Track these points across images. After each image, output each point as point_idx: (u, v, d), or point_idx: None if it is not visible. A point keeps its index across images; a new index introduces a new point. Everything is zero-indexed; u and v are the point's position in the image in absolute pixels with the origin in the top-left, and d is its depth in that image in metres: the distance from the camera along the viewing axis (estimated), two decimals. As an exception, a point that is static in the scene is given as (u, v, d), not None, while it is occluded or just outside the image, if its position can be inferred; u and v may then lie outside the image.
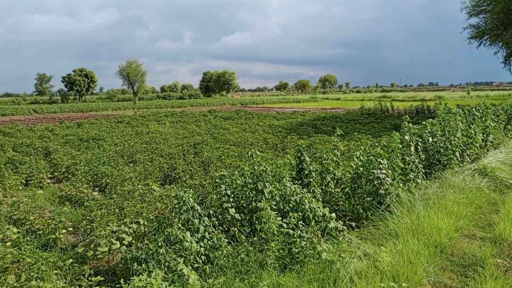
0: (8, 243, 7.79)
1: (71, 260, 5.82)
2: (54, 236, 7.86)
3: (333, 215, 7.08)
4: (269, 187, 7.59)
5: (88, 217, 7.85)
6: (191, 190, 8.83)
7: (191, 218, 6.51)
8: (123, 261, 6.31)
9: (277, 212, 7.39)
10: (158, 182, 12.14)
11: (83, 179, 11.85)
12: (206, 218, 6.92)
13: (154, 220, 6.83)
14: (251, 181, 7.47)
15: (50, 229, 7.95)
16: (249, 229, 7.35)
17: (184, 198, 6.51)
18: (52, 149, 17.47)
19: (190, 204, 6.56)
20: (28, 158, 15.27)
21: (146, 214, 8.02)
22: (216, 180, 7.37)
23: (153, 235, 6.57)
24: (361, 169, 8.54)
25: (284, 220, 6.55)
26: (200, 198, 7.93)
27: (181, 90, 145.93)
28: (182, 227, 6.42)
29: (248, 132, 23.26)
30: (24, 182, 12.98)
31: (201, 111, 49.87)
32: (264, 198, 7.44)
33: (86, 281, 5.30)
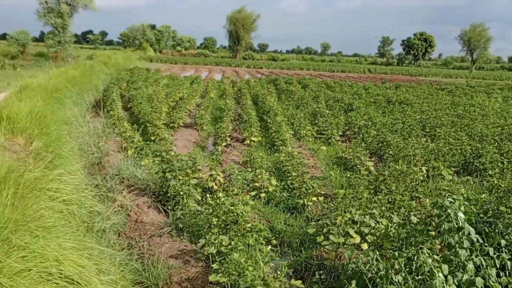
0: (263, 194, 7.63)
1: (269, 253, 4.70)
2: (301, 202, 7.08)
3: None
4: None
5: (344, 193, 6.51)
6: (483, 195, 6.01)
7: (455, 245, 4.06)
8: (344, 269, 4.73)
9: None
10: (453, 168, 9.41)
11: (363, 144, 10.60)
12: (490, 250, 4.27)
13: (402, 226, 4.75)
14: None
15: (300, 192, 7.21)
16: None
17: (448, 210, 4.09)
18: (355, 106, 17.10)
19: (459, 222, 4.08)
20: (328, 112, 15.40)
21: (407, 210, 5.95)
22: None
23: (394, 249, 4.57)
24: None
25: None
26: (488, 214, 5.10)
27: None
28: (437, 255, 4.11)
29: None
30: (315, 135, 13.05)
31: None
32: None
33: (281, 281, 4.06)
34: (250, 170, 8.47)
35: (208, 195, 5.56)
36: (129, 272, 4.58)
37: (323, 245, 5.40)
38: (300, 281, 4.25)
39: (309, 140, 12.63)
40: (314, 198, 7.16)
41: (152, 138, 11.45)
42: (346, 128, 13.90)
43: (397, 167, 7.69)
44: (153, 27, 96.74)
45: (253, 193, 7.46)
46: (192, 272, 4.78)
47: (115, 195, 6.73)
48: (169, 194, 6.41)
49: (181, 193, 6.16)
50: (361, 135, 12.20)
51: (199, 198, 6.44)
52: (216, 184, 7.61)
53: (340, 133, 13.22)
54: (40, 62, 37.52)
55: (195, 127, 14.18)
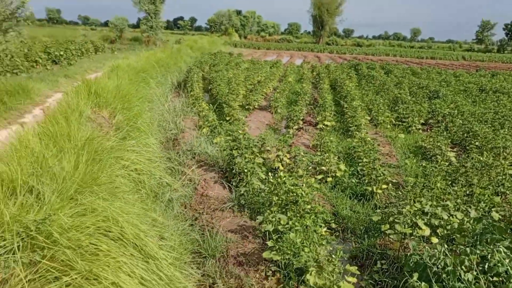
0: (329, 179, 7.43)
1: (328, 236, 4.53)
2: (370, 189, 6.76)
3: None
4: None
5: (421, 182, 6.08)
6: None
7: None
8: (406, 260, 4.41)
9: None
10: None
11: (446, 133, 9.77)
12: None
13: (478, 221, 4.28)
14: None
15: (369, 179, 6.89)
16: None
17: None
18: (441, 94, 15.81)
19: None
20: (410, 98, 14.44)
21: (488, 206, 5.39)
22: None
23: (466, 246, 4.15)
24: None
25: None
26: None
27: None
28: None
29: None
30: (394, 122, 12.35)
31: None
32: None
33: (335, 265, 3.92)
34: (319, 154, 8.29)
35: (270, 174, 5.54)
36: (189, 241, 4.76)
37: (388, 234, 5.11)
38: (356, 267, 4.06)
39: (387, 127, 11.98)
40: (385, 186, 6.78)
41: (227, 118, 11.71)
42: (429, 116, 12.93)
43: (481, 158, 6.98)
44: (238, 12, 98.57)
45: (319, 177, 7.30)
46: (249, 247, 4.83)
47: (185, 169, 7.02)
48: (234, 171, 6.52)
49: (246, 170, 6.23)
50: (444, 124, 11.28)
51: (263, 176, 6.46)
52: (282, 165, 7.57)
53: (422, 121, 12.34)
54: (134, 46, 40.25)
55: (269, 110, 14.22)
